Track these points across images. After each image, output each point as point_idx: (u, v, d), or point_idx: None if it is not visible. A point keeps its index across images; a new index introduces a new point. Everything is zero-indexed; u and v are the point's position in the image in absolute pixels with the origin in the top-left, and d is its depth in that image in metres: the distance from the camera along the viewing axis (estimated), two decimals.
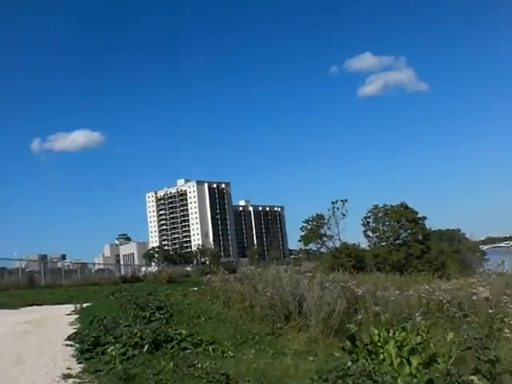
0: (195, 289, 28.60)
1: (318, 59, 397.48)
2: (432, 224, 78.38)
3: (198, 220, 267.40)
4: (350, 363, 8.13)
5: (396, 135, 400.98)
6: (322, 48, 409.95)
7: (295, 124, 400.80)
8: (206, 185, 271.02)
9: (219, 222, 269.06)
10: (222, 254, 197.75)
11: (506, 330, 10.68)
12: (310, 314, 15.65)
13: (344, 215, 72.91)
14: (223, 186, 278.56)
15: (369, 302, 16.84)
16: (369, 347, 9.45)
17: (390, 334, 9.33)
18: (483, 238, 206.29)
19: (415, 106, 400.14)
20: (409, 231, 72.06)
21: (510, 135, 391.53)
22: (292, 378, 9.29)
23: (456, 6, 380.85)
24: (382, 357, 8.94)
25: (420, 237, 71.88)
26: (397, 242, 71.70)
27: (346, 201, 73.67)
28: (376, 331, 9.57)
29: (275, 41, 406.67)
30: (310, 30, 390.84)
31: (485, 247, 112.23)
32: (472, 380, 6.96)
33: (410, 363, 8.06)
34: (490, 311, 11.98)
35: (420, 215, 73.30)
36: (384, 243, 72.22)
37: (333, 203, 73.40)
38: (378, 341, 9.34)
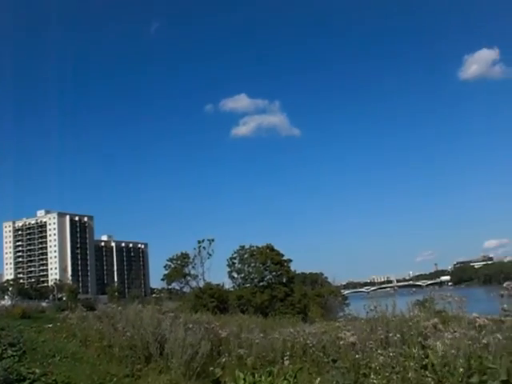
0: (51, 325, 27.42)
1: (194, 97, 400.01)
2: (296, 267, 79.88)
3: (56, 254, 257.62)
4: None
5: (266, 178, 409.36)
6: (199, 86, 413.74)
7: (165, 160, 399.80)
8: (68, 217, 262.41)
9: (79, 257, 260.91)
10: (81, 290, 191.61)
11: (372, 376, 10.82)
12: (172, 355, 15.24)
13: (210, 255, 72.79)
14: (86, 219, 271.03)
15: (233, 345, 16.66)
16: None
17: (256, 378, 9.19)
18: (345, 283, 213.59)
19: (287, 150, 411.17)
20: (274, 273, 72.95)
21: (373, 185, 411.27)
22: None
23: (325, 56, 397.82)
24: None
25: (284, 279, 72.93)
26: (261, 283, 72.29)
27: (213, 240, 73.61)
28: (241, 375, 9.40)
29: (154, 73, 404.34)
30: (187, 67, 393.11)
31: (346, 291, 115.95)
32: None
33: None
34: (357, 356, 12.14)
35: (285, 258, 74.49)
36: (248, 284, 72.61)
37: (199, 242, 73.19)
38: None
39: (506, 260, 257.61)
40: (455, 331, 8.78)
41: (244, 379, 9.33)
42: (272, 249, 73.79)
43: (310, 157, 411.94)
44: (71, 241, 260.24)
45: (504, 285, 7.86)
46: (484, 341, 7.65)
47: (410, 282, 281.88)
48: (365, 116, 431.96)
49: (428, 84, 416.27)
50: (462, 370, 7.45)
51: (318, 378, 10.51)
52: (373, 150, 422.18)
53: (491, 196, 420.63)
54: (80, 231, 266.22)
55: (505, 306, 7.77)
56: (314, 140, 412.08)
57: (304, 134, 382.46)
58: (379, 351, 12.21)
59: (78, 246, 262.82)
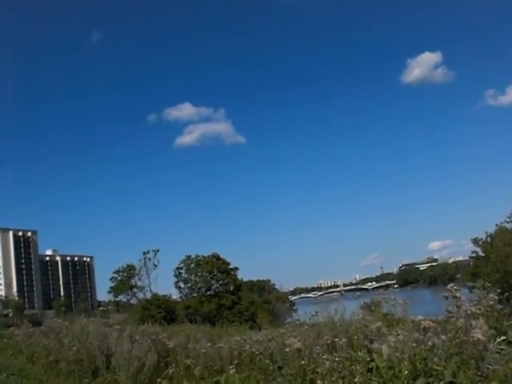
0: None
1: (137, 106, 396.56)
2: (243, 275, 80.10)
3: (1, 269, 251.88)
4: None
5: (211, 186, 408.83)
6: (141, 96, 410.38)
7: (109, 171, 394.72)
8: (11, 232, 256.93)
9: (24, 272, 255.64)
10: (27, 305, 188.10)
11: (319, 381, 10.86)
12: (119, 368, 15.04)
13: (156, 266, 72.77)
14: (29, 234, 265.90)
15: (180, 355, 16.51)
16: None
17: None
18: (292, 289, 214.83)
19: (232, 158, 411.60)
20: (220, 282, 73.08)
21: (317, 189, 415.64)
22: None
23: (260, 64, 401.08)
24: None
25: (231, 287, 73.06)
26: (208, 292, 72.34)
27: (158, 251, 73.50)
28: None
29: (95, 82, 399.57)
30: (130, 77, 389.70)
31: (294, 297, 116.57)
32: None
33: None
34: (303, 362, 12.17)
35: (232, 266, 74.66)
36: (196, 294, 72.59)
37: (144, 253, 72.84)
38: None
39: (450, 261, 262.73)
40: (399, 334, 8.90)
41: None
42: (218, 257, 73.96)
43: (254, 163, 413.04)
44: (15, 256, 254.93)
45: (448, 287, 7.98)
46: (429, 343, 7.77)
47: (357, 286, 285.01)
48: (308, 119, 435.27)
49: (371, 86, 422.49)
50: (406, 372, 7.55)
51: None
52: (316, 154, 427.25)
53: (434, 198, 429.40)
54: (24, 246, 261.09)
55: (449, 307, 7.90)
56: (258, 147, 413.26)
57: (249, 141, 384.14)
58: (325, 356, 12.30)
59: (23, 261, 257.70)
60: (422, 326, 7.93)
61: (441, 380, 6.91)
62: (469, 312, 7.61)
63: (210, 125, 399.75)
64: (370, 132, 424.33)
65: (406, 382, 7.50)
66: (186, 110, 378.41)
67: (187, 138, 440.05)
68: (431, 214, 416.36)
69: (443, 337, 7.70)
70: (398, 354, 8.11)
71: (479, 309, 8.09)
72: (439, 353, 7.55)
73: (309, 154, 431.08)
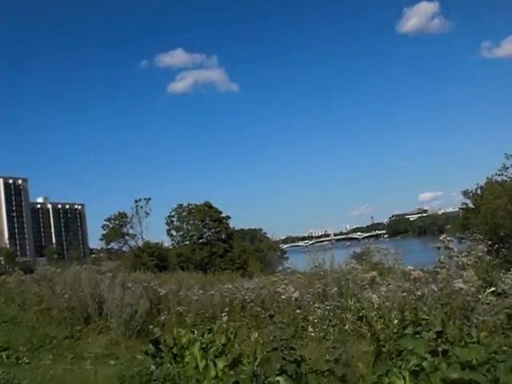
0: None
1: (128, 52, 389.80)
2: (235, 223, 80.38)
3: None
4: (153, 367, 7.88)
5: (203, 135, 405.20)
6: (133, 41, 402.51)
7: (99, 117, 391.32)
8: (2, 180, 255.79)
9: (15, 220, 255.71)
10: (18, 253, 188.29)
11: (310, 329, 11.01)
12: (111, 315, 15.18)
13: (148, 214, 73.00)
14: (20, 181, 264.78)
15: (172, 302, 16.67)
16: (173, 350, 9.25)
17: (196, 336, 9.21)
18: (283, 237, 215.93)
19: (225, 106, 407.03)
20: (212, 230, 73.39)
21: (309, 137, 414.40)
22: None
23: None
24: (187, 359, 8.78)
25: (223, 236, 73.38)
26: (200, 240, 72.72)
27: (150, 199, 73.71)
28: (181, 333, 9.40)
29: (88, 25, 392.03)
30: (121, 23, 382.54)
31: (285, 246, 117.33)
32: (278, 381, 7.01)
33: (215, 365, 7.97)
34: (298, 311, 12.34)
35: (224, 214, 74.83)
36: (188, 242, 72.94)
37: (136, 201, 72.98)
38: (184, 343, 9.17)
39: (439, 212, 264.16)
40: (389, 284, 8.99)
41: (184, 336, 9.33)
42: (210, 206, 74.12)
43: (247, 112, 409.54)
44: (6, 204, 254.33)
45: (440, 238, 8.01)
46: (418, 293, 7.85)
47: (348, 236, 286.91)
48: (302, 67, 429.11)
49: (366, 34, 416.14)
50: (396, 321, 7.63)
51: (255, 333, 10.61)
52: (309, 101, 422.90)
53: (426, 149, 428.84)
54: (15, 194, 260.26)
55: (441, 257, 7.94)
56: (252, 95, 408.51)
57: (243, 89, 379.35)
58: (317, 305, 12.46)
59: (14, 208, 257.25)
60: (412, 276, 7.99)
61: (430, 329, 6.97)
62: (460, 263, 7.66)
63: (202, 72, 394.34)
64: (364, 80, 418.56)
65: (395, 330, 7.59)
66: (178, 57, 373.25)
67: (179, 85, 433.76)
68: (422, 165, 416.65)
69: (433, 287, 7.77)
70: (387, 304, 8.19)
71: (470, 260, 8.15)
72: (429, 302, 7.63)
73: (303, 102, 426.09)
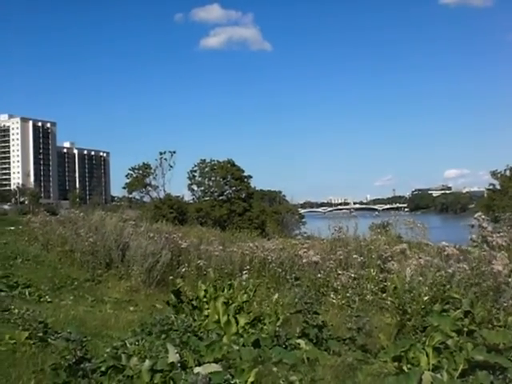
0: (12, 228, 27.28)
1: (165, 4, 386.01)
2: (256, 184, 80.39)
3: (19, 158, 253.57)
4: (174, 318, 7.93)
5: (232, 91, 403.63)
6: None
7: (131, 68, 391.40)
8: (31, 122, 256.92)
9: (42, 163, 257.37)
10: (42, 195, 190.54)
11: (332, 296, 10.99)
12: (133, 263, 15.31)
13: (171, 167, 73.00)
14: (48, 125, 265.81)
15: (192, 256, 16.74)
16: (194, 303, 9.31)
17: (218, 291, 9.24)
18: (302, 202, 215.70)
19: (257, 64, 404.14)
20: (233, 188, 73.46)
21: (337, 105, 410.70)
22: (112, 328, 8.98)
23: None
24: (206, 313, 8.83)
25: (244, 195, 73.44)
26: (220, 197, 72.87)
27: (175, 152, 73.56)
28: (203, 286, 9.44)
29: None
30: None
31: (303, 211, 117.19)
32: (299, 343, 7.03)
33: (237, 322, 8.01)
34: (319, 276, 12.30)
35: (246, 174, 74.79)
36: (208, 198, 73.16)
37: (161, 154, 73.03)
38: (204, 296, 9.22)
39: (463, 191, 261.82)
40: (420, 258, 8.89)
41: (205, 290, 9.37)
42: (233, 164, 74.09)
43: (278, 72, 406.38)
44: (34, 146, 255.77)
45: (475, 216, 7.90)
46: (450, 270, 7.76)
47: (367, 206, 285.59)
48: (337, 32, 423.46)
49: (406, 3, 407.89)
50: (426, 297, 7.54)
51: (276, 294, 10.62)
52: (340, 65, 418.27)
53: (457, 125, 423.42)
54: (43, 137, 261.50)
55: (473, 236, 7.83)
56: (284, 55, 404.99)
57: (275, 49, 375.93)
58: (339, 272, 12.44)
59: (41, 151, 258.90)
60: (445, 253, 7.90)
61: (458, 308, 6.92)
62: (494, 243, 7.55)
63: (237, 29, 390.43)
64: (400, 50, 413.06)
65: (423, 306, 7.53)
66: (213, 12, 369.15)
67: (212, 41, 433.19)
68: (451, 140, 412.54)
69: (465, 265, 7.68)
70: (420, 278, 8.10)
71: (505, 241, 8.01)
72: (458, 281, 7.55)
73: (334, 68, 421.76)
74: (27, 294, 11.32)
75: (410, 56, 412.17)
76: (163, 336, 6.97)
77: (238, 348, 6.42)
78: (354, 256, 12.71)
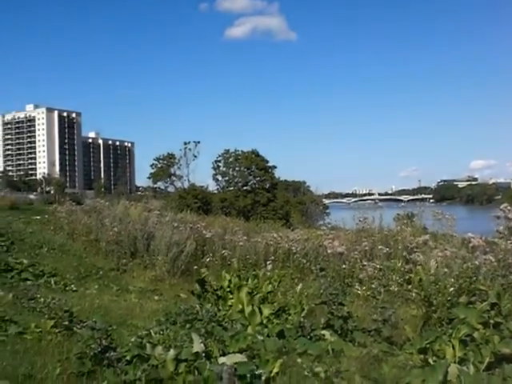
0: (38, 217, 27.51)
1: None
2: (280, 174, 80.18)
3: (45, 148, 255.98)
4: (198, 307, 7.95)
5: (257, 81, 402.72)
6: None
7: (155, 58, 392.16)
8: (56, 112, 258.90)
9: (67, 152, 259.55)
10: (68, 184, 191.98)
11: (357, 287, 10.94)
12: (158, 252, 15.38)
13: (195, 157, 73.24)
14: (74, 115, 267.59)
15: (217, 246, 16.78)
16: (218, 292, 9.33)
17: (242, 281, 9.25)
18: (327, 193, 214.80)
19: (281, 55, 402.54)
20: (258, 178, 73.29)
21: (363, 95, 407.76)
22: (137, 317, 9.02)
23: None
24: (230, 303, 8.85)
25: (268, 185, 73.31)
26: (245, 188, 72.78)
27: (199, 142, 73.80)
28: (228, 276, 9.45)
29: None
30: None
31: (327, 201, 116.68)
32: (324, 334, 7.01)
33: (261, 312, 8.01)
34: (344, 266, 12.26)
35: (270, 164, 74.64)
36: (232, 188, 73.13)
37: (185, 144, 73.24)
38: (228, 286, 9.24)
39: (490, 182, 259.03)
40: (446, 249, 8.80)
41: (229, 280, 9.39)
42: (257, 154, 73.94)
43: (303, 62, 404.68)
44: (59, 136, 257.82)
45: (501, 207, 7.79)
46: (476, 262, 7.67)
47: (392, 197, 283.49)
48: (364, 25, 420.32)
49: None
50: (452, 289, 7.46)
51: (300, 284, 10.59)
52: (366, 58, 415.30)
53: (483, 116, 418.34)
54: (68, 127, 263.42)
55: (500, 227, 7.72)
56: (309, 45, 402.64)
57: (300, 39, 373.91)
58: (364, 262, 12.38)
59: (66, 141, 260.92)
60: (470, 244, 7.81)
61: (484, 300, 6.85)
62: None
63: (262, 18, 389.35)
64: (432, 38, 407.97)
65: (449, 298, 7.46)
66: (239, 1, 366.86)
67: (237, 31, 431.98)
68: (477, 131, 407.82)
69: (491, 257, 7.58)
70: (446, 270, 8.01)
71: None
72: (485, 273, 7.47)
73: (359, 58, 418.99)
74: (53, 282, 11.41)
75: (438, 47, 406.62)
76: (188, 325, 6.99)
77: (262, 338, 6.43)
78: (380, 247, 12.65)
